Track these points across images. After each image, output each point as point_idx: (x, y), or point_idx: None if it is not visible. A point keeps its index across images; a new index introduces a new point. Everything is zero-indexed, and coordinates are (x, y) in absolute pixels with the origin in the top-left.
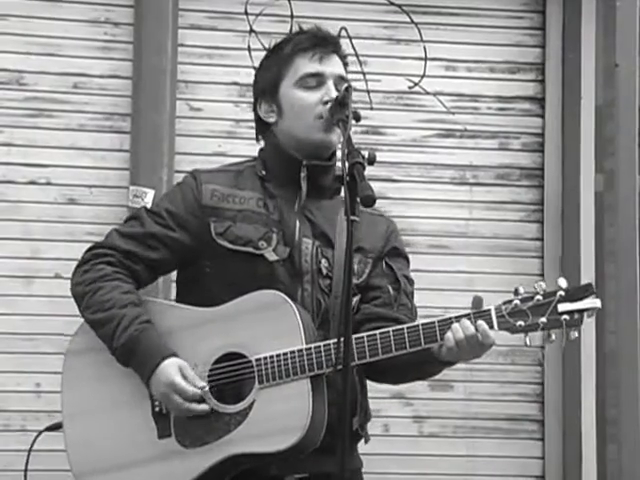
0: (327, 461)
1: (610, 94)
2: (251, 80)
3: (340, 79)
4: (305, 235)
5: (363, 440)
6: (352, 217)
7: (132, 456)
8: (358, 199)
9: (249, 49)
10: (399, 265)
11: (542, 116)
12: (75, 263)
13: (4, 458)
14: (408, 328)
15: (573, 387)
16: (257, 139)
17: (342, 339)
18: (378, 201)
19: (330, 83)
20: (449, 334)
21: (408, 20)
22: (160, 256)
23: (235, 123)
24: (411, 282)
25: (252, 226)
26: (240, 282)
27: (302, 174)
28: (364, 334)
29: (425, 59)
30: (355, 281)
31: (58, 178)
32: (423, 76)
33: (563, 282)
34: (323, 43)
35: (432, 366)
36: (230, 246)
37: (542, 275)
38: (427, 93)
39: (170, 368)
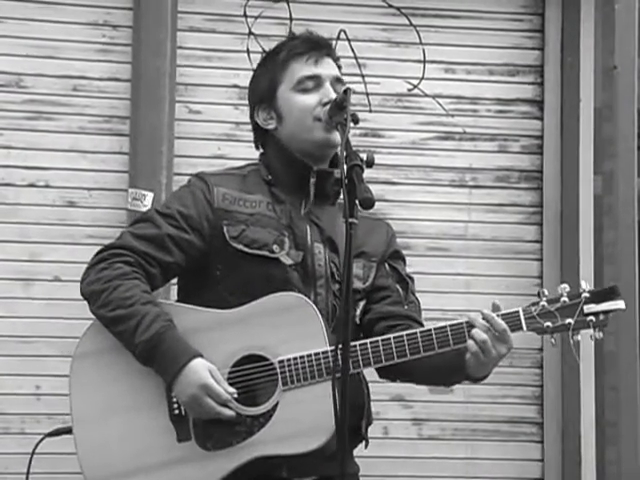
0: (333, 465)
1: (609, 96)
2: None
3: (337, 80)
4: (316, 240)
5: (363, 444)
6: (351, 219)
7: (150, 460)
8: (357, 202)
9: (248, 51)
10: (401, 267)
11: (541, 118)
12: (74, 265)
13: (4, 461)
14: (436, 329)
15: (572, 389)
16: (256, 147)
17: (366, 341)
18: (377, 204)
19: (327, 85)
20: (475, 331)
21: (407, 23)
22: (175, 259)
23: (235, 125)
24: (412, 281)
25: (265, 230)
26: (253, 286)
27: (312, 179)
28: (391, 335)
29: (424, 61)
30: (361, 285)
31: (57, 181)
32: (422, 79)
33: (585, 284)
34: (317, 47)
35: (458, 377)
36: (246, 249)
37: (541, 277)
38: (426, 95)
39: (200, 369)
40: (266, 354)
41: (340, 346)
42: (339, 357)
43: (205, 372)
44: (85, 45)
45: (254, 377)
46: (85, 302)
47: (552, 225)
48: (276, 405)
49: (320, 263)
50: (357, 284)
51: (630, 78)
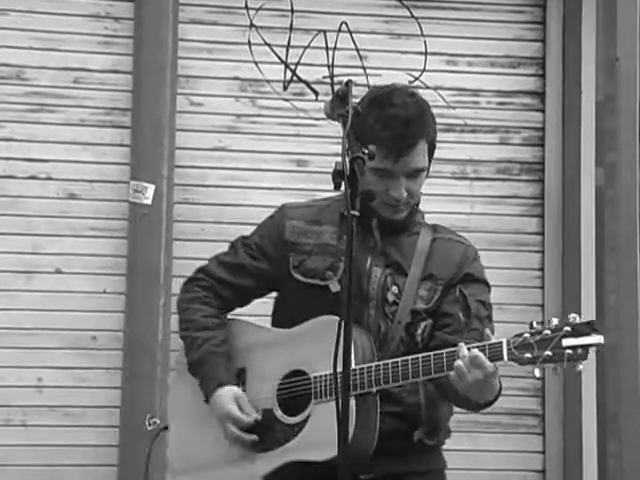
0: (394, 463)
1: (610, 88)
2: (251, 74)
3: (414, 172)
4: (377, 264)
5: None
6: (352, 212)
7: (213, 458)
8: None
9: (249, 43)
10: (473, 291)
11: (542, 110)
12: (76, 257)
13: (5, 453)
14: (423, 357)
15: (573, 381)
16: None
17: (371, 365)
18: None
19: (401, 180)
20: (457, 362)
21: (409, 14)
22: (247, 284)
23: (236, 118)
24: (487, 306)
25: (322, 257)
26: (306, 310)
27: (373, 223)
28: (399, 359)
29: (425, 53)
30: (423, 306)
31: (59, 173)
32: (424, 71)
33: (574, 317)
34: (402, 144)
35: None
36: (301, 279)
37: (542, 269)
38: (427, 88)
39: (225, 397)
40: (307, 369)
41: (367, 367)
42: (364, 376)
43: (229, 399)
44: (87, 37)
45: (296, 389)
46: (85, 294)
47: (553, 217)
48: (308, 416)
49: (374, 287)
50: (420, 305)
51: (632, 70)
